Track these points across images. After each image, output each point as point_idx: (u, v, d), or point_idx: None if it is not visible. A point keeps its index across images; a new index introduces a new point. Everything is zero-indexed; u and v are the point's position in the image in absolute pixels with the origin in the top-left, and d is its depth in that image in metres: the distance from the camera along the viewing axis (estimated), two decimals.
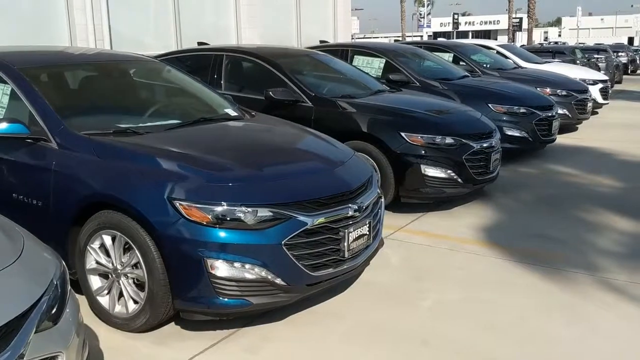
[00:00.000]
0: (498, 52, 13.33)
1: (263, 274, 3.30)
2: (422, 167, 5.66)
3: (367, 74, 8.31)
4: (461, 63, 10.77)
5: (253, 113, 4.96)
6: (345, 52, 9.17)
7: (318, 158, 3.96)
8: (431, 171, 5.68)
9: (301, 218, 3.39)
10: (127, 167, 3.45)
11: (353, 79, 7.32)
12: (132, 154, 3.56)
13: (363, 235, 3.79)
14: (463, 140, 5.81)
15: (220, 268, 3.23)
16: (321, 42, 10.73)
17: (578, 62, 17.26)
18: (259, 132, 4.50)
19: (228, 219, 3.24)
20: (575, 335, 3.56)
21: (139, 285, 3.43)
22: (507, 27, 60.86)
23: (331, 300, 4.02)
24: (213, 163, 3.53)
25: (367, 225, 3.83)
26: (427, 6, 44.59)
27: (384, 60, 8.81)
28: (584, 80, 12.58)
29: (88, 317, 3.47)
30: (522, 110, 8.09)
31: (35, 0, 8.95)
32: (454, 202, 6.17)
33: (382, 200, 4.28)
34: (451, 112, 6.54)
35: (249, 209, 3.27)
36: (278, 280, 3.35)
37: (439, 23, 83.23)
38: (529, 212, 6.05)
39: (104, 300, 3.57)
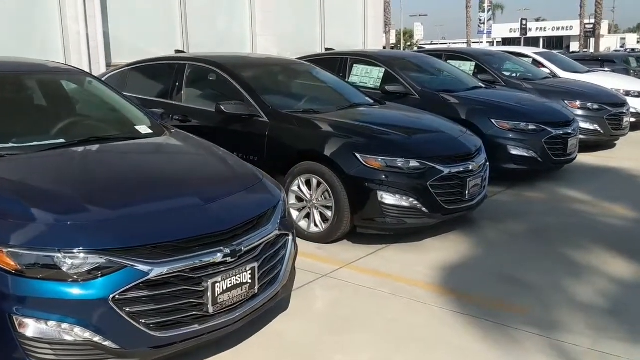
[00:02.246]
0: (534, 61, 12.33)
1: (86, 335, 2.71)
2: (379, 193, 4.94)
3: (356, 85, 7.66)
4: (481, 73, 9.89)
5: (172, 130, 4.41)
6: (344, 61, 8.52)
7: (195, 190, 3.32)
8: (390, 198, 4.95)
9: (140, 267, 2.79)
10: None
11: (331, 91, 6.66)
12: None
13: (241, 284, 3.15)
14: (430, 164, 5.04)
15: (30, 327, 2.67)
16: (327, 49, 10.12)
17: (632, 71, 15.86)
18: (149, 155, 3.93)
19: (40, 266, 2.67)
20: None
21: None
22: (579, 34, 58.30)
23: (217, 357, 3.39)
24: (44, 197, 2.97)
25: (250, 272, 3.19)
26: (488, 12, 42.93)
27: (383, 70, 8.10)
28: (629, 93, 11.43)
29: None
30: (531, 126, 7.18)
31: (27, 8, 8.73)
32: (426, 232, 5.41)
33: (290, 237, 3.62)
34: (427, 131, 5.77)
35: (68, 256, 2.69)
36: (108, 344, 2.75)
37: (509, 29, 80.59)
38: (510, 247, 5.22)
39: None
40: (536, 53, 12.62)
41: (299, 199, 5.34)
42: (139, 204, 3.05)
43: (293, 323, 3.79)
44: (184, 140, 4.19)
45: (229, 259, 3.06)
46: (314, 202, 5.24)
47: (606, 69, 14.84)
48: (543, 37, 79.88)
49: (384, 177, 4.95)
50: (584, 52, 45.68)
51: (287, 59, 7.16)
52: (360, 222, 5.08)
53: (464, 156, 5.33)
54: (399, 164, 4.98)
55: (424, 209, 5.02)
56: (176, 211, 3.07)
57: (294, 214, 5.38)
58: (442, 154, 5.20)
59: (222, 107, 5.45)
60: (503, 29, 79.62)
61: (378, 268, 4.73)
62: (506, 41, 74.95)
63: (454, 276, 4.57)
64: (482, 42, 44.34)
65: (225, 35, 11.57)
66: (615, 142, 10.34)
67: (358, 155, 4.99)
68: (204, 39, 11.06)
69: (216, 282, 3.00)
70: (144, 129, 4.24)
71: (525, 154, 7.11)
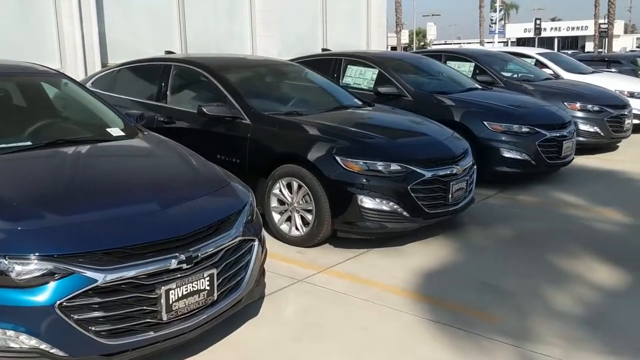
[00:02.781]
0: (537, 61, 12.17)
1: (32, 342, 2.67)
2: (359, 197, 4.86)
3: (350, 86, 7.61)
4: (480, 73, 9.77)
5: (146, 132, 4.36)
6: (338, 62, 8.44)
7: (155, 195, 3.27)
8: (370, 202, 4.87)
9: (89, 274, 2.74)
10: None
11: (318, 93, 6.59)
12: None
13: (199, 291, 3.09)
14: (411, 168, 4.95)
15: None
16: (323, 50, 10.03)
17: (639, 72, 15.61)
18: (114, 159, 3.88)
19: None
20: None
21: None
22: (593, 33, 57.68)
23: None
24: None
25: (208, 278, 3.13)
26: (500, 11, 42.49)
27: (377, 71, 8.01)
28: (633, 94, 11.24)
29: None
30: (525, 129, 7.06)
31: (23, 8, 8.75)
32: (409, 236, 5.32)
33: (256, 243, 3.56)
34: (411, 134, 5.68)
35: (15, 261, 2.65)
36: (55, 351, 2.71)
37: (523, 29, 79.90)
38: (494, 253, 5.11)
39: None
40: (539, 54, 12.46)
41: (281, 202, 5.28)
42: (93, 209, 3.00)
43: (261, 329, 3.73)
44: (155, 143, 4.14)
45: (184, 266, 3.00)
46: (295, 205, 5.17)
47: (612, 70, 14.63)
48: (558, 37, 79.13)
49: (364, 180, 4.87)
50: (599, 52, 45.18)
51: (277, 61, 7.11)
52: (341, 226, 5.00)
53: (448, 159, 5.23)
54: (380, 168, 4.90)
55: (404, 213, 4.94)
56: (131, 216, 3.02)
57: (276, 217, 5.32)
58: (425, 157, 5.11)
59: (204, 109, 5.41)
60: (517, 29, 79.01)
61: (356, 273, 4.66)
62: (520, 41, 74.41)
63: (431, 282, 4.48)
64: (493, 42, 43.91)
65: (225, 36, 11.55)
66: (618, 145, 10.17)
67: (338, 159, 4.92)
68: (203, 40, 11.05)
69: (170, 289, 2.95)
70: (115, 131, 4.20)
71: (518, 157, 7.00)
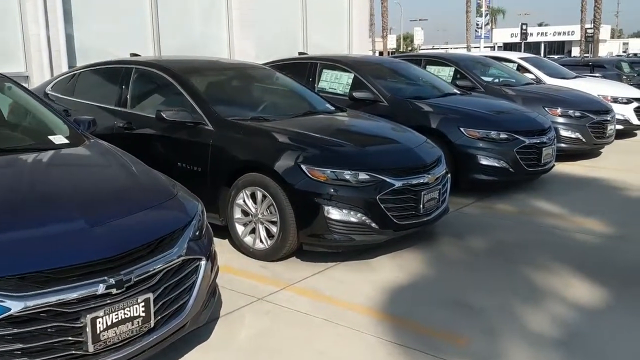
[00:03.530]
0: (520, 66, 11.99)
1: None
2: (326, 208, 4.59)
3: (325, 91, 7.38)
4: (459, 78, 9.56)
5: (92, 140, 4.07)
6: (313, 65, 8.18)
7: (85, 211, 2.94)
8: (336, 213, 4.60)
9: (2, 301, 2.45)
10: None
11: (289, 98, 6.34)
12: None
13: (132, 318, 2.80)
14: (380, 177, 4.69)
15: None
16: (300, 53, 9.77)
17: (625, 77, 15.49)
18: (48, 170, 3.57)
19: None
20: None
21: None
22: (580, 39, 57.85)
23: None
24: None
25: (143, 304, 2.84)
26: (485, 16, 42.54)
27: (352, 76, 7.76)
28: (616, 99, 11.08)
29: None
30: (503, 135, 6.83)
31: None
32: (379, 249, 5.06)
33: (203, 262, 3.27)
34: (382, 141, 5.43)
35: None
36: None
37: (510, 34, 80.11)
38: (467, 267, 4.86)
39: None
40: (521, 58, 12.27)
41: (245, 213, 5.00)
42: (9, 228, 2.70)
43: (209, 355, 3.44)
44: (98, 152, 3.84)
45: (114, 291, 2.71)
46: (259, 216, 4.90)
47: (596, 75, 14.49)
48: (544, 42, 79.54)
49: (331, 190, 4.60)
50: (585, 57, 45.31)
51: (246, 64, 6.82)
52: (306, 239, 4.73)
53: (419, 168, 4.98)
54: (347, 177, 4.64)
55: (373, 224, 4.68)
56: (54, 236, 2.72)
57: (239, 229, 5.04)
58: (394, 166, 4.85)
59: (163, 115, 5.12)
60: (504, 34, 79.32)
61: (320, 289, 4.38)
62: (507, 46, 74.64)
63: (398, 299, 4.22)
64: (479, 47, 43.92)
65: (201, 38, 11.24)
66: (601, 150, 9.99)
67: (303, 167, 4.65)
68: (178, 42, 10.73)
69: (97, 317, 2.65)
70: (58, 139, 3.90)
71: (496, 164, 6.76)
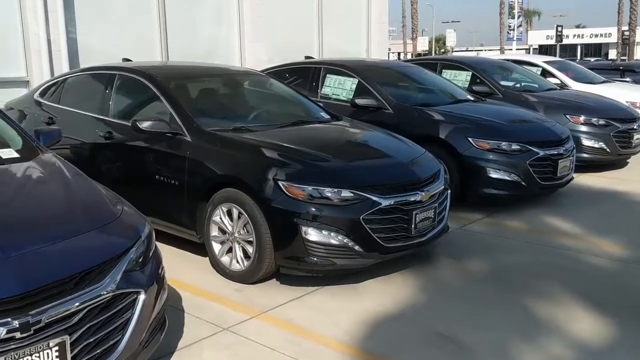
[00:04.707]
0: (544, 70, 11.41)
1: None
2: (304, 228, 4.19)
3: (329, 97, 7.04)
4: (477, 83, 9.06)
5: (46, 153, 3.76)
6: (317, 70, 7.80)
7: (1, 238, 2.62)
8: (315, 235, 4.20)
9: None
10: None
11: (280, 106, 5.98)
12: None
13: None
14: (364, 195, 4.27)
15: None
16: (306, 57, 9.39)
17: None
18: None
19: None
20: None
21: None
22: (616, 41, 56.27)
23: None
24: None
25: (57, 348, 2.49)
26: (518, 18, 41.52)
27: (356, 81, 7.35)
28: None
29: None
30: (515, 146, 6.33)
31: None
32: (368, 272, 4.64)
33: (141, 296, 2.90)
34: (372, 155, 5.01)
35: None
36: None
37: (545, 36, 78.53)
38: (463, 294, 4.40)
39: None
40: (546, 62, 11.69)
41: (222, 230, 4.64)
42: None
43: None
44: (43, 168, 3.52)
45: (18, 335, 2.36)
46: (236, 235, 4.53)
47: (626, 80, 13.77)
48: (581, 44, 77.67)
49: (309, 209, 4.21)
50: (622, 60, 43.91)
51: (240, 70, 6.48)
52: (283, 262, 4.34)
53: (412, 184, 4.54)
54: (328, 195, 4.23)
55: (356, 247, 4.26)
56: None
57: (216, 247, 4.69)
58: (382, 183, 4.42)
59: (139, 124, 4.79)
60: (539, 36, 77.78)
61: (295, 319, 3.98)
62: (542, 48, 73.20)
63: (380, 333, 3.80)
64: (511, 49, 42.96)
65: (211, 43, 10.95)
66: (628, 161, 9.36)
67: (281, 184, 4.26)
68: (186, 47, 10.45)
69: None
70: (8, 152, 3.59)
71: (507, 178, 6.27)
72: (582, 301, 4.23)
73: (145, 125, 4.79)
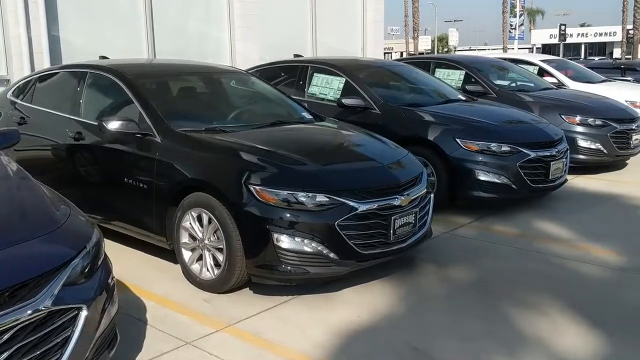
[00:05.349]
0: (541, 69, 11.16)
1: None
2: (275, 235, 3.97)
3: (316, 97, 6.86)
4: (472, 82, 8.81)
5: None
6: (304, 69, 7.57)
7: None
8: (288, 242, 3.97)
9: None
10: None
11: (260, 105, 5.76)
12: None
13: None
14: (340, 199, 4.04)
15: None
16: (295, 55, 9.17)
17: None
18: None
19: None
20: None
21: None
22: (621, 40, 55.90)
23: None
24: None
25: None
26: (520, 16, 41.21)
27: (343, 80, 7.12)
28: None
29: None
30: (504, 148, 6.09)
31: None
32: (346, 279, 4.41)
33: (83, 313, 2.68)
34: (351, 158, 4.78)
35: None
36: None
37: (549, 34, 78.16)
38: (444, 304, 4.17)
39: None
40: (544, 61, 11.44)
41: (192, 237, 4.41)
42: None
43: None
44: None
45: None
46: (206, 242, 4.31)
47: (627, 79, 13.50)
48: (585, 43, 77.29)
49: (283, 215, 3.98)
50: (627, 58, 43.57)
51: (220, 68, 6.21)
52: (254, 270, 4.11)
53: (390, 188, 4.30)
54: (302, 200, 4.00)
55: (331, 254, 4.03)
56: None
57: (186, 255, 4.46)
58: (359, 187, 4.19)
59: (105, 124, 4.57)
60: (543, 35, 77.45)
61: (264, 332, 3.76)
62: (546, 47, 72.83)
63: (352, 348, 3.57)
64: (513, 48, 42.64)
65: (199, 41, 10.74)
66: (627, 162, 9.11)
67: (252, 188, 4.03)
68: (174, 45, 10.25)
69: None
70: None
71: (496, 180, 6.03)
72: (571, 313, 3.99)
73: (112, 125, 4.57)
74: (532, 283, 4.51)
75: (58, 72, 5.88)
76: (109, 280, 3.00)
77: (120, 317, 3.78)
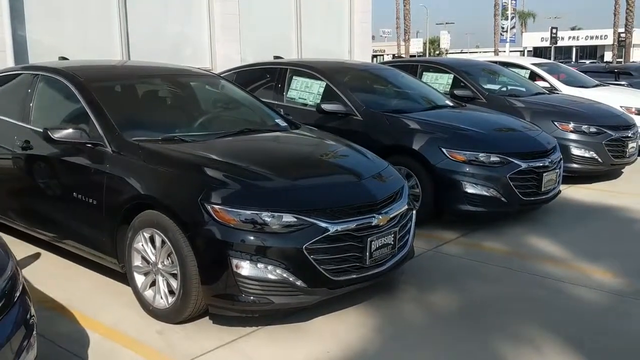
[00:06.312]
0: (533, 73, 10.77)
1: None
2: (234, 261, 3.51)
3: (295, 101, 6.44)
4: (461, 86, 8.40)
5: None
6: (283, 72, 7.13)
7: None
8: (248, 268, 3.52)
9: None
10: None
11: (230, 112, 5.33)
12: None
13: None
14: (309, 219, 3.59)
15: None
16: (275, 57, 8.72)
17: None
18: None
19: None
20: None
21: None
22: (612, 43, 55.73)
23: None
24: None
25: None
26: (511, 19, 40.93)
27: (324, 84, 6.68)
28: None
29: None
30: (493, 158, 5.67)
31: None
32: (318, 307, 3.95)
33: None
34: (323, 172, 4.31)
35: None
36: None
37: (540, 38, 78.06)
38: (423, 335, 3.73)
39: None
40: (535, 64, 11.04)
41: (146, 260, 3.95)
42: None
43: None
44: None
45: None
46: (159, 266, 3.85)
47: (621, 83, 13.13)
48: (576, 46, 77.27)
49: (244, 238, 3.52)
50: (617, 62, 43.37)
51: (187, 70, 5.71)
52: (212, 300, 3.65)
53: (366, 206, 3.86)
54: (266, 220, 3.55)
55: (299, 282, 3.59)
56: None
57: (139, 280, 4.00)
58: (332, 205, 3.74)
59: (51, 134, 4.11)
60: (534, 38, 77.48)
61: None
62: (537, 50, 72.81)
63: None
64: (505, 51, 42.36)
65: (177, 42, 10.27)
66: (623, 171, 8.71)
67: (209, 207, 3.58)
68: (150, 46, 9.76)
69: None
70: None
71: (485, 193, 5.59)
72: (562, 346, 3.56)
73: (58, 134, 4.12)
74: (523, 312, 4.07)
75: (11, 74, 5.41)
76: (27, 318, 2.56)
77: (56, 353, 3.34)
